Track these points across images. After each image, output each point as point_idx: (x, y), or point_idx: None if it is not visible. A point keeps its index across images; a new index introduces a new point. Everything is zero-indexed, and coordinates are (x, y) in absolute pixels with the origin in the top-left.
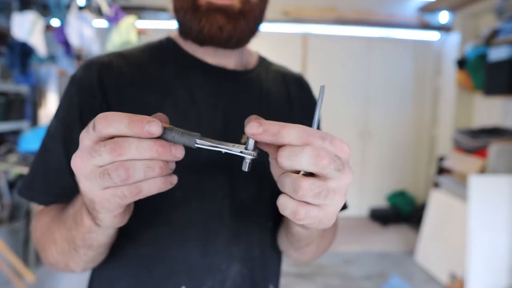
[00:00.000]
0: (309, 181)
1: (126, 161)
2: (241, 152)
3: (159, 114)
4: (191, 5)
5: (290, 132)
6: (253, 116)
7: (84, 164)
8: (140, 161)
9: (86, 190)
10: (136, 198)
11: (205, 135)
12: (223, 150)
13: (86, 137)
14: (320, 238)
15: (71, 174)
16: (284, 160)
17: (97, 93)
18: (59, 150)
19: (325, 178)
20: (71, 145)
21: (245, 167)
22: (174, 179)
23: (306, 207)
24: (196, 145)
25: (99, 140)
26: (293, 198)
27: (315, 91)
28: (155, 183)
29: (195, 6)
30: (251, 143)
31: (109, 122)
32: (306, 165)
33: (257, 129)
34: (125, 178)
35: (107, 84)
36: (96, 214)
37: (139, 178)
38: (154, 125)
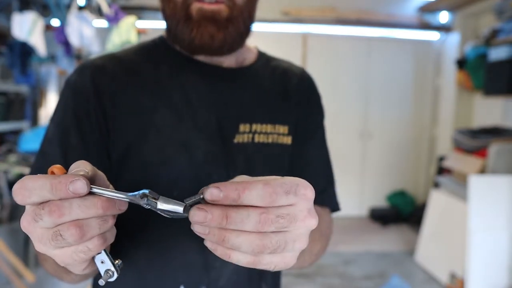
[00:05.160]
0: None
1: (77, 220)
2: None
3: (83, 167)
4: (183, 14)
5: (251, 194)
6: (213, 184)
7: (31, 228)
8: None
9: (44, 253)
10: (101, 249)
11: (199, 134)
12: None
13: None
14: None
15: None
16: (230, 225)
17: (91, 97)
18: (57, 155)
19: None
20: (68, 150)
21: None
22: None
23: (261, 257)
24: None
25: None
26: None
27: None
28: (113, 231)
29: (187, 16)
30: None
31: (29, 191)
32: (250, 228)
33: (217, 195)
34: (80, 237)
35: (101, 88)
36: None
37: (94, 233)
38: (78, 184)
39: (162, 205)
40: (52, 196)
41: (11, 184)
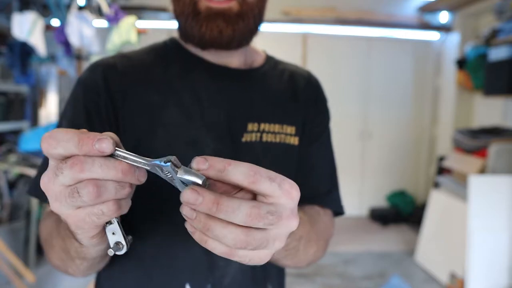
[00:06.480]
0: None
1: (96, 179)
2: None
3: (110, 133)
4: (191, 10)
5: (237, 168)
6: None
7: (51, 184)
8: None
9: (58, 212)
10: (115, 216)
11: (208, 133)
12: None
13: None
14: (291, 254)
15: None
16: (220, 213)
17: (102, 94)
18: None
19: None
20: None
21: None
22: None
23: (238, 252)
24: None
25: (62, 159)
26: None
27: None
28: (128, 201)
29: (195, 12)
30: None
31: (57, 141)
32: (239, 221)
33: (203, 164)
34: (96, 196)
35: (112, 85)
36: (75, 234)
37: (110, 197)
38: (105, 142)
39: (182, 175)
40: (77, 151)
41: (11, 184)
